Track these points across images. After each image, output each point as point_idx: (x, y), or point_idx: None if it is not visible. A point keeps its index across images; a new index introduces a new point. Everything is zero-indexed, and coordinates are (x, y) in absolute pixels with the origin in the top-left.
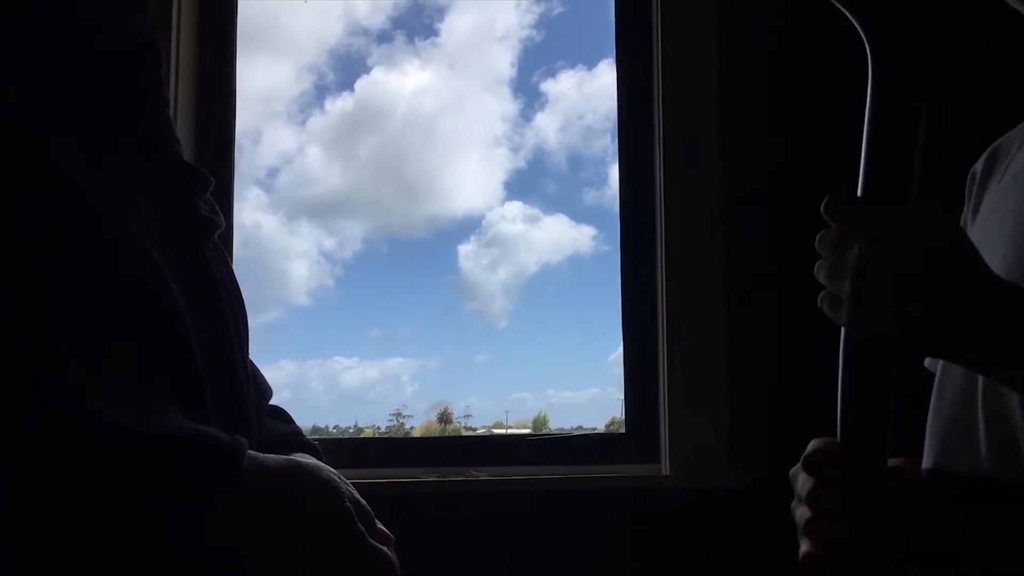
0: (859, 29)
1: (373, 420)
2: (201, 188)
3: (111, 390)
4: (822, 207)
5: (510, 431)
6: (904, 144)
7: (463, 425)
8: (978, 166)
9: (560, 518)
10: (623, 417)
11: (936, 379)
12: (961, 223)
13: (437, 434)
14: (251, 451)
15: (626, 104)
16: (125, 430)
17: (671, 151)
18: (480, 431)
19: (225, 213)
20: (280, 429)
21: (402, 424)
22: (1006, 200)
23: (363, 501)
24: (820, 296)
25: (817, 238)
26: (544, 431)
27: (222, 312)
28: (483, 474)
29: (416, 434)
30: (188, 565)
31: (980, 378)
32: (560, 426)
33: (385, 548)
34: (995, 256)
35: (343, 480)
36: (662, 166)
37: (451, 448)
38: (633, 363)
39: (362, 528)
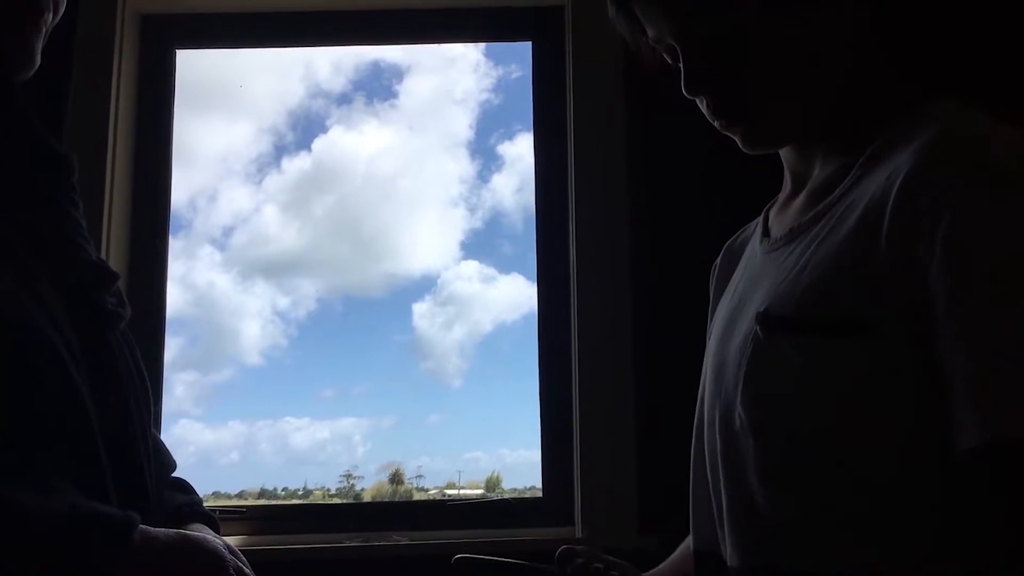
0: None
1: (323, 482)
2: (108, 284)
3: (8, 469)
4: None
5: (462, 492)
6: None
7: (415, 486)
8: (718, 261)
9: None
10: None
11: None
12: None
13: (388, 495)
14: (143, 525)
15: (543, 175)
16: (20, 506)
17: (582, 216)
18: (432, 492)
19: (159, 273)
20: (179, 500)
21: (352, 485)
22: (715, 330)
23: (247, 570)
24: None
25: None
26: (497, 491)
27: (124, 396)
28: (404, 539)
29: (367, 496)
30: None
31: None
32: (514, 486)
33: None
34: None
35: (230, 550)
36: (575, 239)
37: (377, 513)
38: (550, 430)
39: None
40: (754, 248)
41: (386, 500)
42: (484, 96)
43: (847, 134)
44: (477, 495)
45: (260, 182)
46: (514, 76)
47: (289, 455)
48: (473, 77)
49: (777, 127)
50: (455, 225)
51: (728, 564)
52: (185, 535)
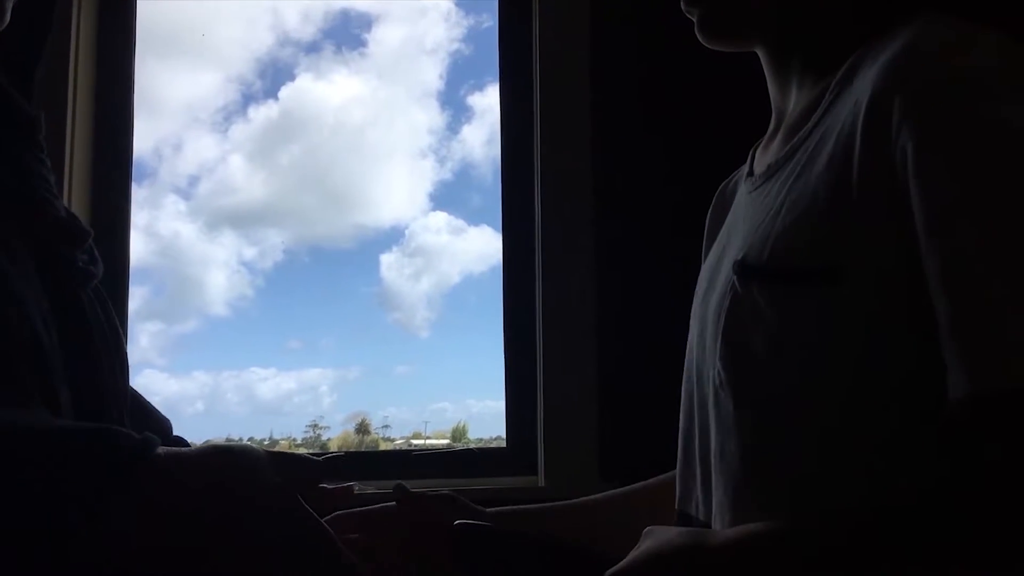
0: None
1: (289, 432)
2: (79, 241)
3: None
4: None
5: (428, 442)
6: None
7: (381, 436)
8: (716, 199)
9: None
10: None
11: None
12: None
13: (355, 446)
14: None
15: (508, 126)
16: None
17: (547, 168)
18: (399, 442)
19: (122, 223)
20: None
21: (319, 435)
22: (700, 280)
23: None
24: None
25: None
26: (464, 441)
27: (98, 356)
28: (370, 488)
29: (333, 446)
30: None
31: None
32: (480, 436)
33: None
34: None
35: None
36: (539, 191)
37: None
38: (514, 381)
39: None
40: (740, 190)
41: (352, 450)
42: (454, 46)
43: (821, 59)
44: (443, 445)
45: (226, 131)
46: (485, 26)
47: (255, 405)
48: (443, 27)
49: (734, 16)
50: (424, 176)
51: (712, 525)
52: (216, 445)
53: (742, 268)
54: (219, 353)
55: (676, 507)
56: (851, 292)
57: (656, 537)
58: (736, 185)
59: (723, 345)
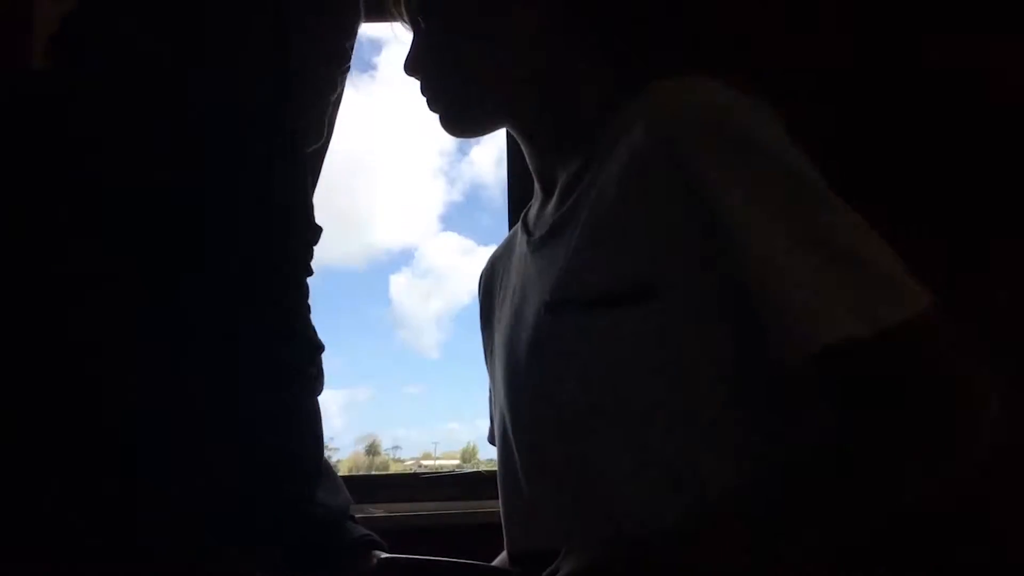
0: None
1: None
2: (315, 355)
3: None
4: None
5: (438, 462)
6: None
7: (391, 457)
8: (484, 271)
9: (447, 551)
10: None
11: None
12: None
13: (365, 467)
14: None
15: (516, 144)
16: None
17: None
18: (408, 463)
19: None
20: (358, 531)
21: (328, 457)
22: (500, 336)
23: None
24: None
25: None
26: (473, 462)
27: (315, 469)
28: (380, 511)
29: (343, 467)
30: None
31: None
32: (490, 456)
33: None
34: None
35: None
36: None
37: (352, 486)
38: None
39: None
40: (521, 253)
41: (362, 472)
42: None
43: (574, 130)
44: (453, 466)
45: None
46: None
47: None
48: None
49: (470, 115)
50: (434, 197)
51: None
52: None
53: (554, 306)
54: None
55: (508, 551)
56: (665, 302)
57: (582, 554)
58: (507, 251)
59: (543, 380)
